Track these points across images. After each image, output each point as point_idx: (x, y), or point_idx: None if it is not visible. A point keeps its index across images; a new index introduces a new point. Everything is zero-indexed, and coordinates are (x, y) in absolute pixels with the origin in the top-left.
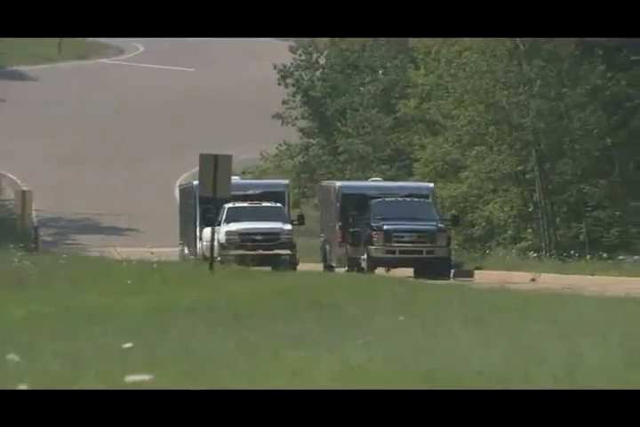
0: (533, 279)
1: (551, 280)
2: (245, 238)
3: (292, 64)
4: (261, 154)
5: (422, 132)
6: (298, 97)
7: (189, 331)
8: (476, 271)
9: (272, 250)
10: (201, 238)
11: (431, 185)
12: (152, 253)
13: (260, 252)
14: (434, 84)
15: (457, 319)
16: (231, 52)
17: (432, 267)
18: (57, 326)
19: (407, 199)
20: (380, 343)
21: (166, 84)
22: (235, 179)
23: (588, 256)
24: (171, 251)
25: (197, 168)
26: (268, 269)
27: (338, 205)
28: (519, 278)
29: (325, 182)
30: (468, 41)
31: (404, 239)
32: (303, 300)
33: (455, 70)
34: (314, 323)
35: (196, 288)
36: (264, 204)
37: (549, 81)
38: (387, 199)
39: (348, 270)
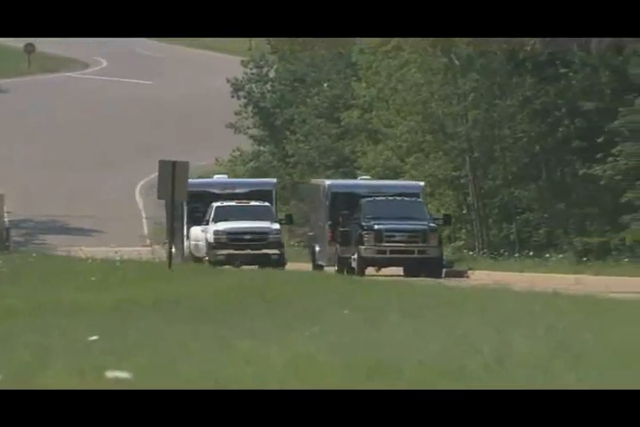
0: (467, 276)
1: (484, 277)
2: (233, 238)
3: (243, 78)
4: (216, 160)
5: (365, 140)
6: (249, 108)
7: (151, 324)
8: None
9: (260, 249)
10: (188, 238)
11: (422, 184)
12: (115, 252)
13: (249, 251)
14: (375, 97)
15: (399, 313)
16: (188, 66)
17: (423, 267)
18: (28, 319)
19: (398, 198)
20: (327, 335)
21: (127, 96)
22: (223, 177)
23: (517, 255)
24: (132, 250)
25: (157, 174)
26: (254, 267)
27: (327, 203)
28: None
29: (313, 181)
30: (406, 56)
31: (396, 239)
32: (256, 295)
33: (394, 84)
34: (265, 316)
35: (157, 285)
36: (252, 203)
37: (483, 93)
38: (377, 198)
39: (337, 270)
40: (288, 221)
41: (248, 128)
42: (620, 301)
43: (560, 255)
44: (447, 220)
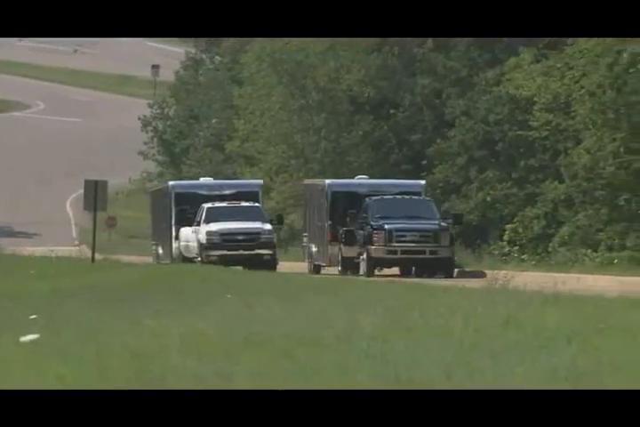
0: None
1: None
2: (227, 238)
3: (150, 116)
4: (129, 179)
5: (243, 164)
6: (155, 140)
7: (79, 306)
8: None
9: (253, 250)
10: (177, 238)
11: (423, 182)
12: (51, 251)
13: (241, 252)
14: (250, 130)
15: (271, 297)
16: (109, 107)
17: (435, 267)
18: None
19: (406, 197)
20: (214, 314)
21: (60, 130)
22: (208, 179)
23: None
24: (65, 249)
25: (83, 190)
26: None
27: (327, 203)
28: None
29: (310, 181)
30: (274, 99)
31: (406, 239)
32: (162, 284)
33: (265, 120)
34: (168, 300)
35: (83, 276)
36: (243, 203)
37: (332, 128)
38: (385, 197)
39: (341, 271)
40: (278, 221)
41: (154, 155)
42: (442, 287)
43: None
44: (458, 219)
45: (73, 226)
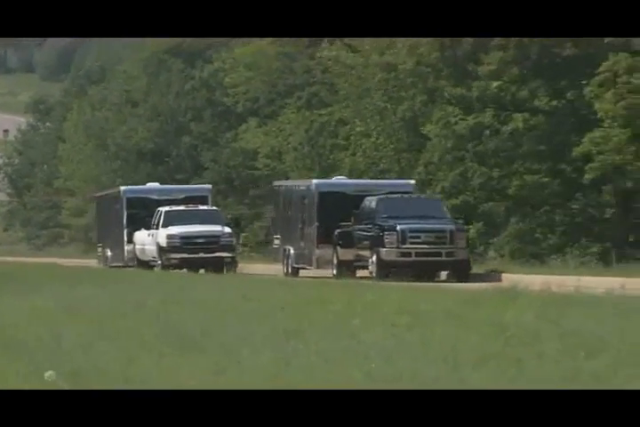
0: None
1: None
2: (187, 242)
3: (2, 163)
4: None
5: (68, 196)
6: (5, 179)
7: None
8: None
9: (213, 253)
10: (130, 242)
11: (413, 182)
12: None
13: (202, 255)
14: (71, 173)
15: (88, 284)
16: None
17: (451, 270)
18: None
19: (413, 196)
20: (48, 294)
21: None
22: (155, 184)
23: None
24: None
25: None
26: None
27: (315, 203)
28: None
29: (281, 182)
30: (86, 152)
31: (421, 240)
32: (15, 275)
33: (80, 166)
34: (20, 286)
35: None
36: (201, 207)
37: (126, 171)
38: (390, 196)
39: (336, 274)
40: (235, 224)
41: (5, 189)
42: (210, 276)
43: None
44: (465, 219)
45: None
